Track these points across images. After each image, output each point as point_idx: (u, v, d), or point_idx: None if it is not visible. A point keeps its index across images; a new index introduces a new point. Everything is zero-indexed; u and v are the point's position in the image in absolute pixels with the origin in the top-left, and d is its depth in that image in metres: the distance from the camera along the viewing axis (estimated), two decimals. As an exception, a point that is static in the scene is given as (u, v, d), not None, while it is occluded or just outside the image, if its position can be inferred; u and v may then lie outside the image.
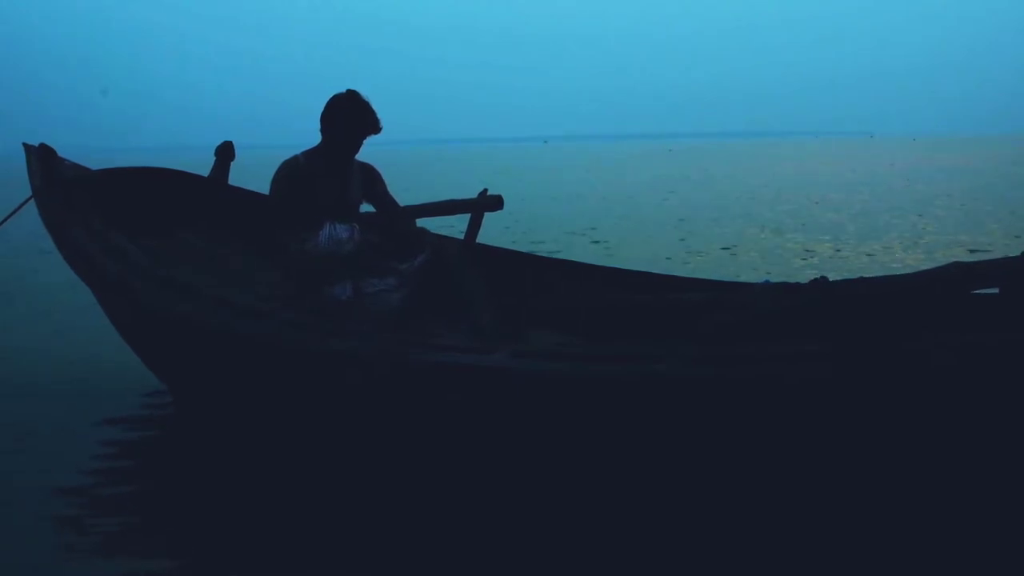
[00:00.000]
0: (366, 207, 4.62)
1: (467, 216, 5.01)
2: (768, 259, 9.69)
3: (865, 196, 19.48)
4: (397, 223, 4.63)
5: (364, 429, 3.76)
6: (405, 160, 51.83)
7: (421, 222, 4.77)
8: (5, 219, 5.36)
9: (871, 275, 4.01)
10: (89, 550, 3.20)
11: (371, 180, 4.60)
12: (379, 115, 4.37)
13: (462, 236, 4.93)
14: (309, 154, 4.45)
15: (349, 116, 4.32)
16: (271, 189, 4.43)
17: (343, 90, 4.38)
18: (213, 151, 5.21)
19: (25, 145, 5.23)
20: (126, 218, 4.97)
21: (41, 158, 4.98)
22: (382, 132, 4.46)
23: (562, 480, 3.38)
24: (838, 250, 10.39)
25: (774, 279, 4.64)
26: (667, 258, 9.75)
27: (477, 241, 4.91)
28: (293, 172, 4.39)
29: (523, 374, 3.26)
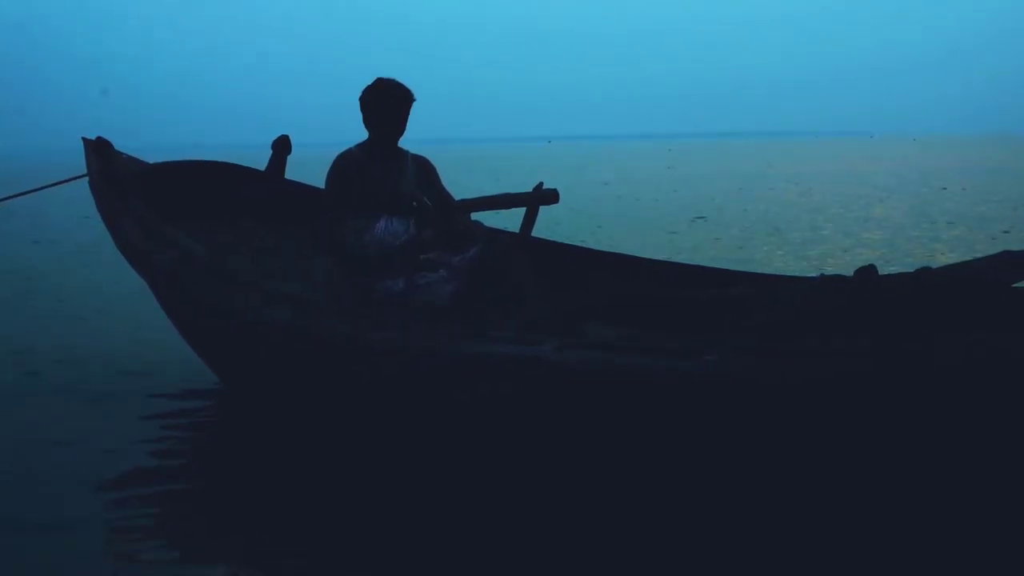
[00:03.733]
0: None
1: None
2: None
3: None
4: (452, 217, 4.68)
5: (414, 420, 3.86)
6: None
7: (475, 216, 4.81)
8: (53, 184, 5.43)
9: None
10: (138, 545, 3.32)
11: (425, 173, 4.66)
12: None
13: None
14: (362, 147, 4.54)
15: (380, 100, 4.55)
16: (326, 182, 4.52)
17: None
18: (270, 145, 5.27)
19: (84, 139, 5.28)
20: (181, 211, 5.03)
21: (97, 151, 5.03)
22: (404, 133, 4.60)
23: (611, 473, 3.48)
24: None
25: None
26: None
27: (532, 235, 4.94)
28: (348, 165, 4.48)
29: (570, 365, 3.35)
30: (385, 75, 4.52)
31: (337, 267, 4.58)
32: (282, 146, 5.25)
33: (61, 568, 3.10)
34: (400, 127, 4.55)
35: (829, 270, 5.99)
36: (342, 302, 4.17)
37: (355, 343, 3.82)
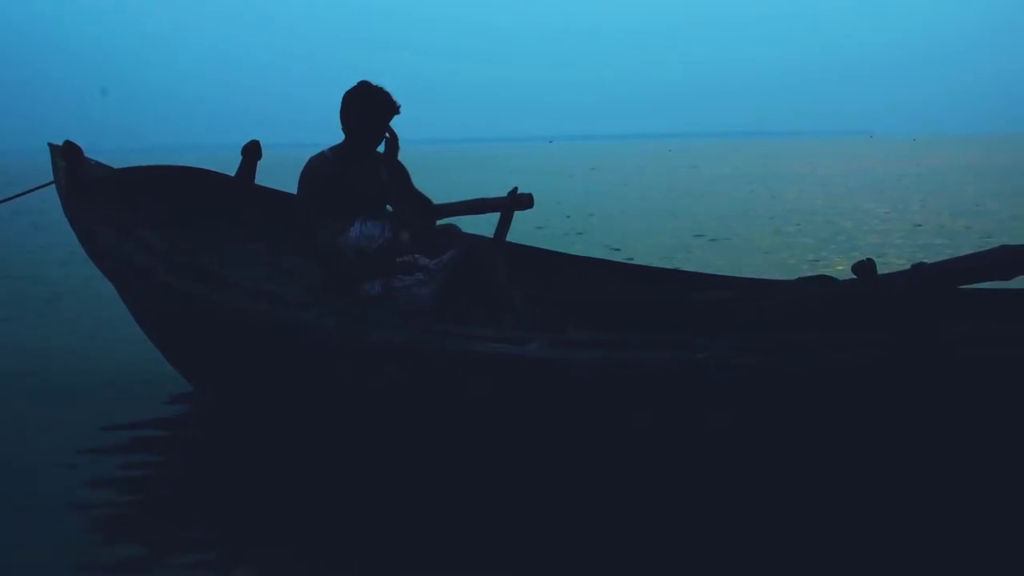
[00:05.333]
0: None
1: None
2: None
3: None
4: (427, 219, 4.62)
5: (402, 419, 3.71)
6: (408, 160, 51.46)
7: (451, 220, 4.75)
8: (19, 195, 5.33)
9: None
10: (109, 551, 3.17)
11: (397, 174, 4.58)
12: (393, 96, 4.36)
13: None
14: (336, 150, 4.44)
15: (364, 106, 4.33)
16: (299, 186, 4.41)
17: (354, 84, 4.39)
18: (240, 150, 5.19)
19: (51, 145, 5.19)
20: (152, 216, 4.94)
21: (66, 156, 4.93)
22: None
23: (603, 470, 3.34)
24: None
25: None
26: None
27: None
28: (321, 168, 4.37)
29: (561, 363, 3.22)
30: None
31: (314, 270, 4.44)
32: (252, 152, 5.18)
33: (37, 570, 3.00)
34: (380, 138, 4.42)
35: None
36: (324, 303, 4.09)
37: (343, 342, 3.68)
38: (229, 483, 3.73)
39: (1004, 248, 3.49)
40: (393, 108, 4.37)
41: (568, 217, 14.30)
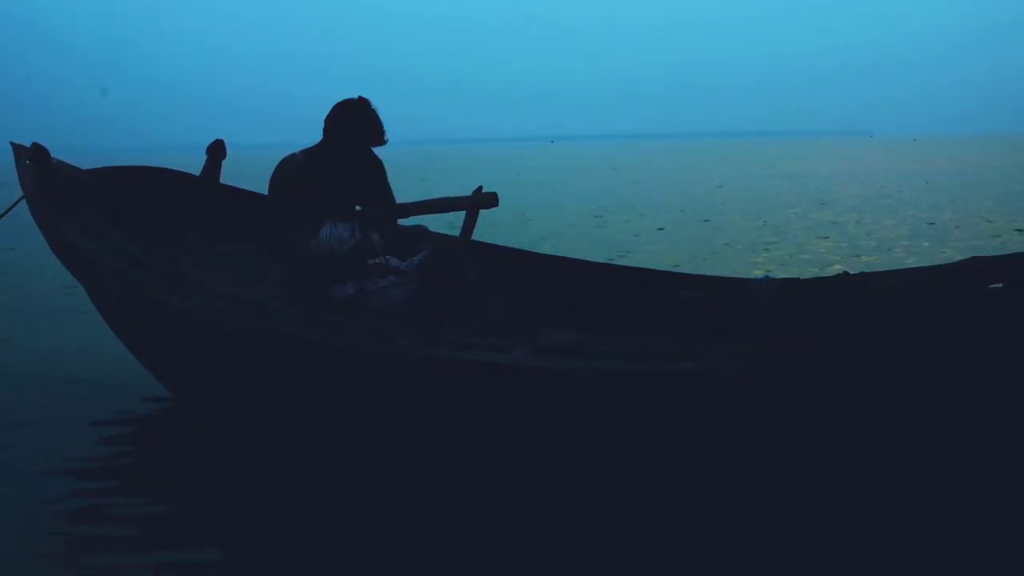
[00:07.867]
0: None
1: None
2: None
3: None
4: (395, 220, 4.62)
5: (382, 426, 3.68)
6: (409, 160, 51.17)
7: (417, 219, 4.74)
8: None
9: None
10: (81, 552, 3.17)
11: (376, 172, 4.59)
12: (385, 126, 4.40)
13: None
14: (308, 153, 4.42)
15: (360, 124, 4.34)
16: (270, 187, 4.39)
17: (354, 96, 4.39)
18: (204, 150, 5.19)
19: (13, 144, 5.13)
20: (119, 217, 4.92)
21: (33, 158, 4.90)
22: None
23: (587, 478, 3.34)
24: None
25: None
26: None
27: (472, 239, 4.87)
28: (292, 171, 4.36)
29: (551, 371, 3.20)
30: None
31: (285, 272, 4.44)
32: (217, 151, 5.18)
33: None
34: (358, 156, 4.46)
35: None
36: (297, 307, 4.08)
37: (319, 347, 3.67)
38: (205, 484, 3.75)
39: (975, 259, 3.50)
40: (382, 141, 4.41)
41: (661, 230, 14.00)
